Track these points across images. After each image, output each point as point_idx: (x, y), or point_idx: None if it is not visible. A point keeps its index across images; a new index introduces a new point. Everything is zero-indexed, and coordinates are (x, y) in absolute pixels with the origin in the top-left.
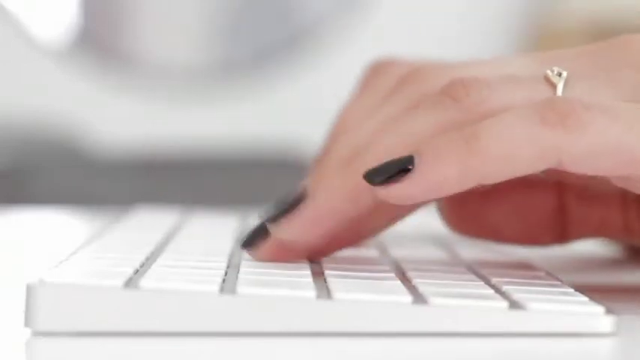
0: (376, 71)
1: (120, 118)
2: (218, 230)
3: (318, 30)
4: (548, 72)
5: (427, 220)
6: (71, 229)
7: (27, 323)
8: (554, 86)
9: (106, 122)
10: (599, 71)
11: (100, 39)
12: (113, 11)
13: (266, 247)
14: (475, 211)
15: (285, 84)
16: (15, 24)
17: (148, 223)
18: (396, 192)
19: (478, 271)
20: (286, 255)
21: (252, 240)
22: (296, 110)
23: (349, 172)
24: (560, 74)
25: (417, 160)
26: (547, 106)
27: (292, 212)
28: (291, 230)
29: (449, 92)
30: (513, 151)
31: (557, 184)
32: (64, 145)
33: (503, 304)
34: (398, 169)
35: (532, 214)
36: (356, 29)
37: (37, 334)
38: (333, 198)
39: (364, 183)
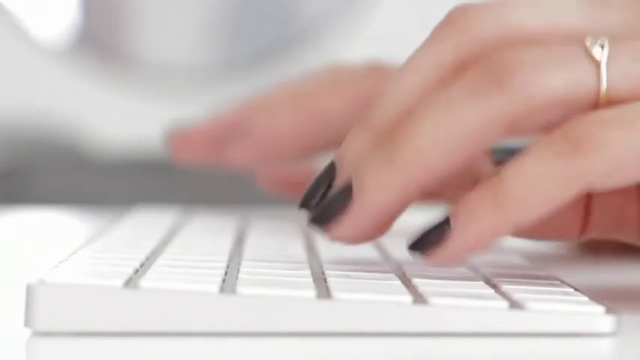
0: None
1: (120, 118)
2: (218, 230)
3: (318, 30)
4: (588, 43)
5: (427, 220)
6: (71, 229)
7: (27, 323)
8: (597, 65)
9: (106, 122)
10: None
11: (100, 39)
12: (113, 11)
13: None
14: None
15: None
16: (15, 24)
17: (148, 223)
18: (440, 257)
19: (478, 271)
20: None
21: (323, 220)
22: None
23: (396, 166)
24: (602, 46)
25: (452, 224)
26: (559, 137)
27: (342, 213)
28: (345, 233)
29: (492, 74)
30: (540, 193)
31: None
32: (64, 145)
33: (503, 304)
34: (437, 237)
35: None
36: (355, 30)
37: (37, 334)
38: (383, 197)
39: (411, 176)
